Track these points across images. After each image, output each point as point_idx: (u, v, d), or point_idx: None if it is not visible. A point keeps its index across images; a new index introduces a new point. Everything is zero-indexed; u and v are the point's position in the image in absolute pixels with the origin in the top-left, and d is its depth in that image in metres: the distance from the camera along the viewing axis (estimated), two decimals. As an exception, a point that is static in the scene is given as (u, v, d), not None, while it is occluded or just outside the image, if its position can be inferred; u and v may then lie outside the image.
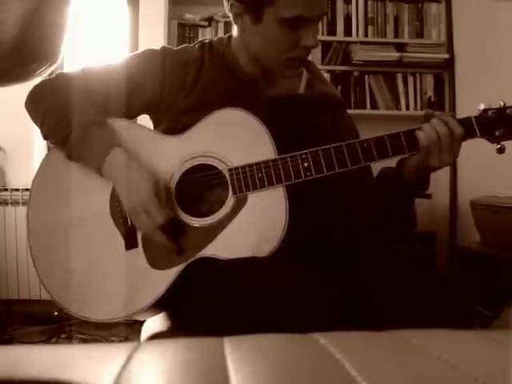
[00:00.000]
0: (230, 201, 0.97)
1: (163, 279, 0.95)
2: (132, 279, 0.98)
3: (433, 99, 2.90)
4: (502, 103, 0.99)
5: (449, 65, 2.88)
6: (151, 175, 0.98)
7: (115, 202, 1.02)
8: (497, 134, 0.98)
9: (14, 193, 2.60)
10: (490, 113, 0.98)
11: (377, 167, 1.08)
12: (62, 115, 1.03)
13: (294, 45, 1.01)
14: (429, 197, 1.05)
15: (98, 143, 1.01)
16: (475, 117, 0.98)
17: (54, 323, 2.32)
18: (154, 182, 0.97)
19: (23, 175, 2.55)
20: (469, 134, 0.97)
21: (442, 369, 0.37)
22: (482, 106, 1.00)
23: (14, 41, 0.88)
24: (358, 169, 0.98)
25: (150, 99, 1.07)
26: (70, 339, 2.27)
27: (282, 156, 0.97)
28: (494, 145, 0.99)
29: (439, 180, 2.69)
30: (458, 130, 0.95)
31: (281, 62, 1.04)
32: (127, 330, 2.23)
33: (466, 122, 0.98)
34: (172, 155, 1.02)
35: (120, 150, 1.00)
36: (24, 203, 2.55)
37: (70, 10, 1.07)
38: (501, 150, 0.98)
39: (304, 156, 0.97)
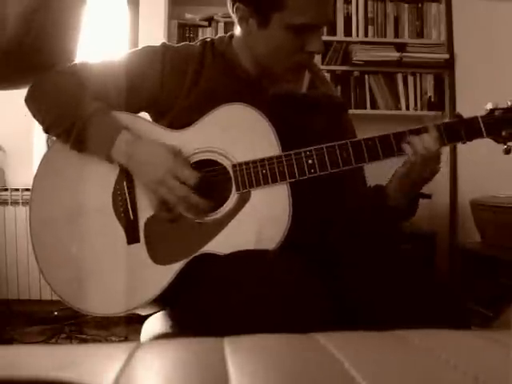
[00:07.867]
0: (234, 197, 0.98)
1: (165, 274, 0.95)
2: (133, 274, 0.98)
3: (433, 99, 2.90)
4: (509, 103, 0.97)
5: (449, 65, 2.87)
6: (164, 145, 0.99)
7: (118, 195, 1.02)
8: (503, 134, 0.97)
9: (14, 193, 2.59)
10: (497, 113, 0.97)
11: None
12: (66, 106, 1.03)
13: (298, 50, 1.00)
14: (429, 197, 1.05)
15: (106, 128, 1.01)
16: (482, 116, 0.97)
17: (54, 323, 2.32)
18: (171, 149, 0.98)
19: (23, 175, 2.55)
20: (475, 134, 0.97)
21: (442, 369, 0.37)
22: (489, 106, 0.98)
23: (14, 42, 0.87)
24: (352, 174, 0.98)
25: (150, 95, 1.07)
26: (69, 339, 2.26)
27: (287, 153, 0.97)
28: (500, 145, 0.98)
29: (439, 180, 2.67)
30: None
31: (284, 66, 1.04)
32: (127, 330, 2.23)
33: (472, 122, 0.97)
34: None
35: (129, 132, 1.00)
36: (24, 203, 2.54)
37: (84, 11, 1.05)
38: (507, 151, 0.97)
39: (308, 153, 0.97)
